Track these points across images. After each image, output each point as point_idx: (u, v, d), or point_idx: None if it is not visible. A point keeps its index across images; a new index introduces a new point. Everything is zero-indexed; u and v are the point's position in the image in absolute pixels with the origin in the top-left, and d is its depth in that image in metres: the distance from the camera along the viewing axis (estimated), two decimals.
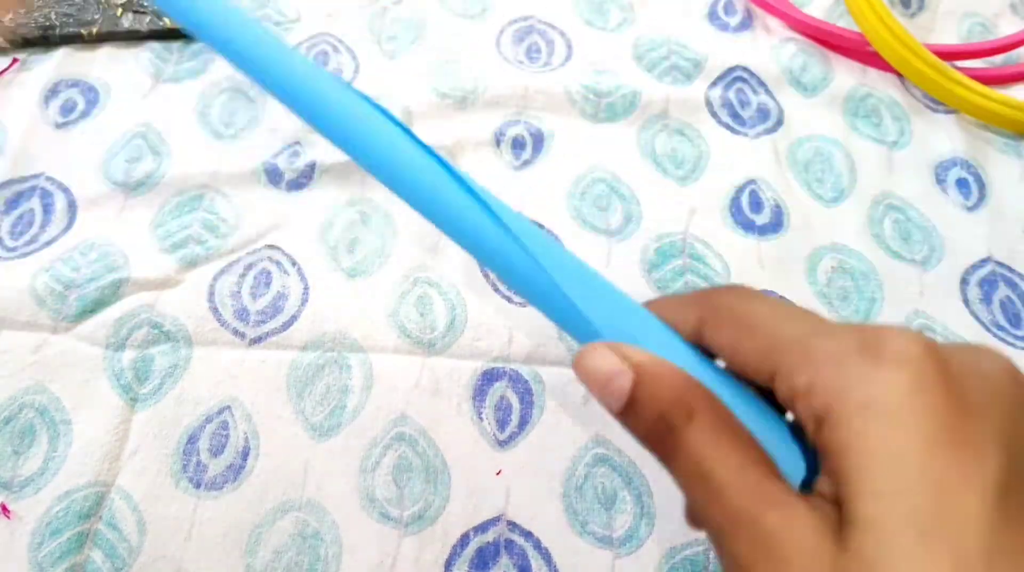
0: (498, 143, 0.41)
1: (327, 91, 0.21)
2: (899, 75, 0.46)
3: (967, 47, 0.47)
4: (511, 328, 0.35)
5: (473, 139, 0.41)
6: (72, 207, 0.37)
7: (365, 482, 0.32)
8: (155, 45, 0.44)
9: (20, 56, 0.42)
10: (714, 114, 0.44)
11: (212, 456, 0.32)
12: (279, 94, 0.22)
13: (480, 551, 0.31)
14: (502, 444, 0.33)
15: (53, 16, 0.43)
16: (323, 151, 0.40)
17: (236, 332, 0.34)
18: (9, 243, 0.36)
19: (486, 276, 0.37)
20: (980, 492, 0.14)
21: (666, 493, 0.32)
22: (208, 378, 0.33)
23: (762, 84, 0.45)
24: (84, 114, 0.41)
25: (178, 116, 0.41)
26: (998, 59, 0.48)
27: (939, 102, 0.45)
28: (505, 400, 0.34)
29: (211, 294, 0.35)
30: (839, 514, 0.15)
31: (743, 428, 0.18)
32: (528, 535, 0.31)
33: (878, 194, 0.41)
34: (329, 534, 0.31)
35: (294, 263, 0.37)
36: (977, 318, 0.38)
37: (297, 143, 0.40)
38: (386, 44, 0.45)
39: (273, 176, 0.39)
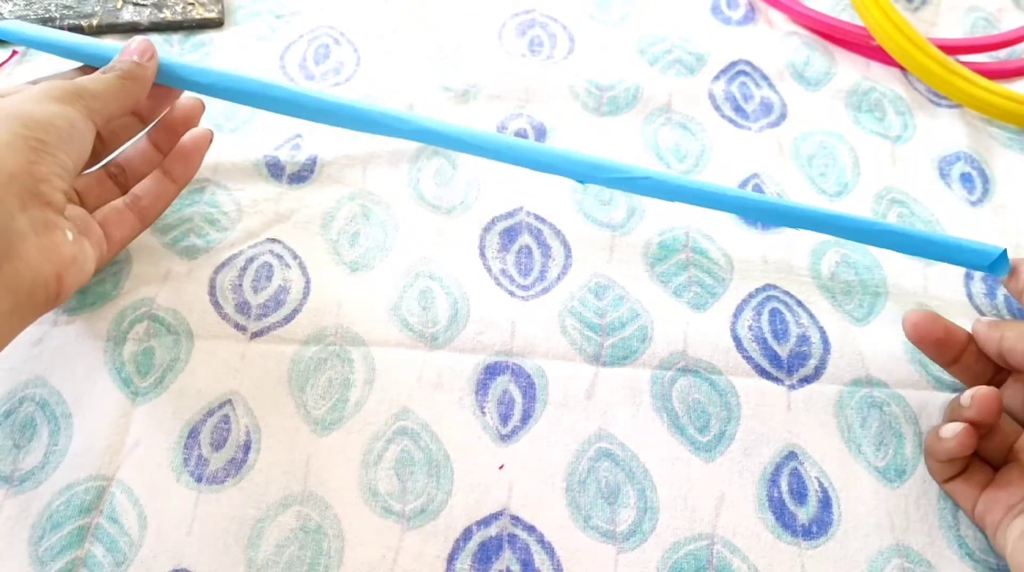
0: None
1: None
2: (902, 69, 0.46)
3: (971, 41, 0.47)
4: (514, 322, 0.35)
5: None
6: None
7: (367, 476, 0.32)
8: (155, 38, 0.43)
9: (19, 48, 0.42)
10: (717, 108, 0.44)
11: (213, 450, 0.32)
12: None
13: (483, 545, 0.31)
14: (505, 438, 0.33)
15: (53, 8, 0.42)
16: (324, 144, 0.40)
17: (237, 326, 0.34)
18: None
19: (488, 269, 0.37)
20: None
21: (669, 487, 0.32)
22: (209, 372, 0.33)
23: (765, 78, 0.45)
24: None
25: None
26: (1002, 53, 0.48)
27: (943, 96, 0.45)
28: (508, 394, 0.34)
29: (212, 287, 0.35)
30: None
31: None
32: (531, 529, 0.31)
33: (882, 188, 0.41)
34: (331, 528, 0.30)
35: (296, 257, 0.36)
36: (982, 313, 0.37)
37: (298, 136, 0.40)
38: (388, 37, 0.45)
39: (274, 169, 0.39)
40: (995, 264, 0.33)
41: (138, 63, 0.32)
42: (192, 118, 0.35)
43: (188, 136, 0.35)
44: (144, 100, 0.33)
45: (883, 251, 0.39)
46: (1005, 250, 0.33)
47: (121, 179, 0.35)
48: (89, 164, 0.33)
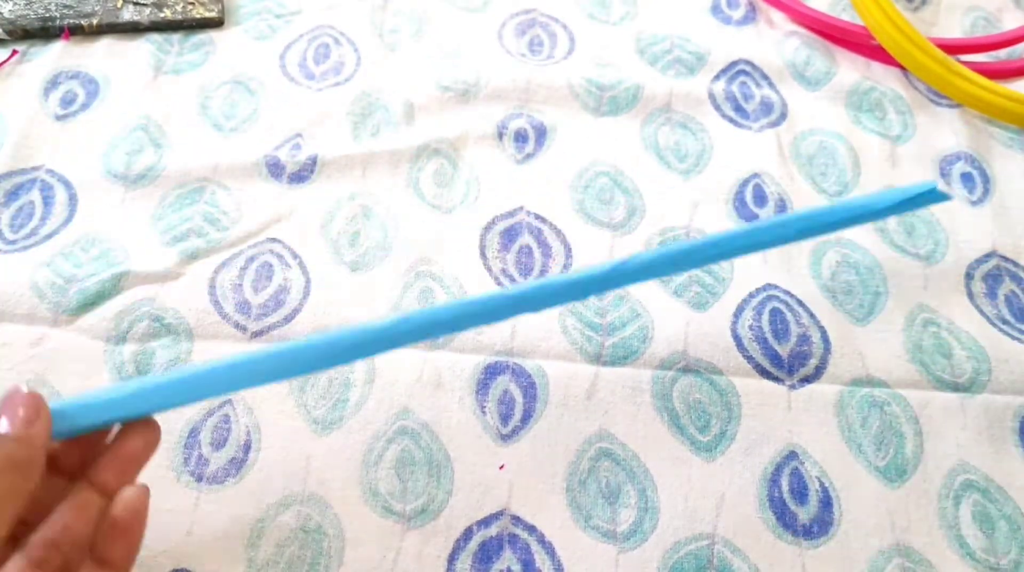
0: (501, 136, 0.41)
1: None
2: (903, 69, 0.46)
3: (971, 41, 0.47)
4: (514, 322, 0.35)
5: (476, 132, 0.41)
6: (73, 200, 0.37)
7: (368, 476, 0.32)
8: (156, 37, 0.43)
9: (20, 48, 0.42)
10: (717, 107, 0.44)
11: (214, 450, 0.32)
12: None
13: (483, 545, 0.31)
14: (505, 438, 0.33)
15: (53, 8, 0.42)
16: (325, 144, 0.40)
17: (238, 325, 0.34)
18: (9, 236, 0.36)
19: (488, 269, 0.37)
20: None
21: (670, 487, 0.32)
22: None
23: (765, 78, 0.45)
24: (84, 106, 0.40)
25: (179, 108, 0.41)
26: (1002, 53, 0.48)
27: (943, 96, 0.45)
28: (508, 394, 0.34)
29: (212, 287, 0.35)
30: None
31: None
32: (532, 529, 0.31)
33: (882, 188, 0.41)
34: (332, 528, 0.30)
35: (296, 256, 0.36)
36: (981, 312, 0.37)
37: (298, 136, 0.40)
38: (388, 37, 0.45)
39: (274, 169, 0.39)
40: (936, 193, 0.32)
41: (17, 438, 0.21)
42: (153, 441, 0.25)
43: (121, 504, 0.23)
44: (42, 477, 0.22)
45: (883, 251, 0.39)
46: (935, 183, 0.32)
47: (56, 561, 0.22)
48: (5, 555, 0.22)
